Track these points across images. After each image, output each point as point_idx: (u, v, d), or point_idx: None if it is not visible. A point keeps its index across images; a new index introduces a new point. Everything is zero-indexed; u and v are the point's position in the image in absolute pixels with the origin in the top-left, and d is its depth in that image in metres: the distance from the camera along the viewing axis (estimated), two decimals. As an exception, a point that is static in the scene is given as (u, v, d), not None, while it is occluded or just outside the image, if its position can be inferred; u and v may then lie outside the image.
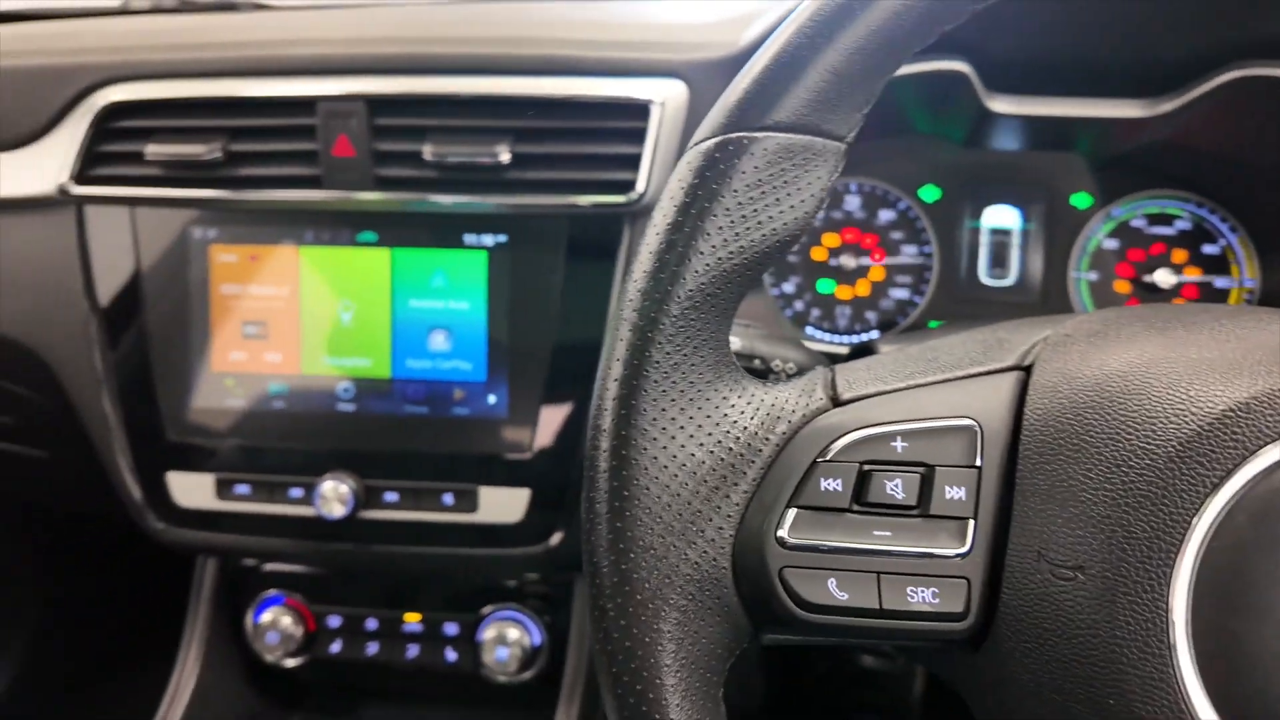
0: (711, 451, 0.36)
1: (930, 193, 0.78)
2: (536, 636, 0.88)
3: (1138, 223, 0.76)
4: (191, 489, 0.79)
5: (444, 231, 0.74)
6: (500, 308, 0.74)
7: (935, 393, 0.38)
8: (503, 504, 0.76)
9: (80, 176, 0.75)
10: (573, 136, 0.71)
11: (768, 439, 0.37)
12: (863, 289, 0.79)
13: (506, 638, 0.87)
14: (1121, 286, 0.77)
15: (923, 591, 0.35)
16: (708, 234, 0.35)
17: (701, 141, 0.37)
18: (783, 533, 0.36)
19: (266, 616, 0.90)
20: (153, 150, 0.73)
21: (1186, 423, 0.32)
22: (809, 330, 0.80)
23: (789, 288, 0.80)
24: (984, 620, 0.35)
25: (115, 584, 1.30)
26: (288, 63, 0.74)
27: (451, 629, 0.89)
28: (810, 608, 0.36)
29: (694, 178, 0.36)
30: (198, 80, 0.75)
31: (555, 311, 0.73)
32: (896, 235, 0.79)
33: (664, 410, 0.36)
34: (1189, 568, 0.31)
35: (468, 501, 0.76)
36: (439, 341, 0.75)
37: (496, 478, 0.75)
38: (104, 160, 0.75)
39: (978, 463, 0.36)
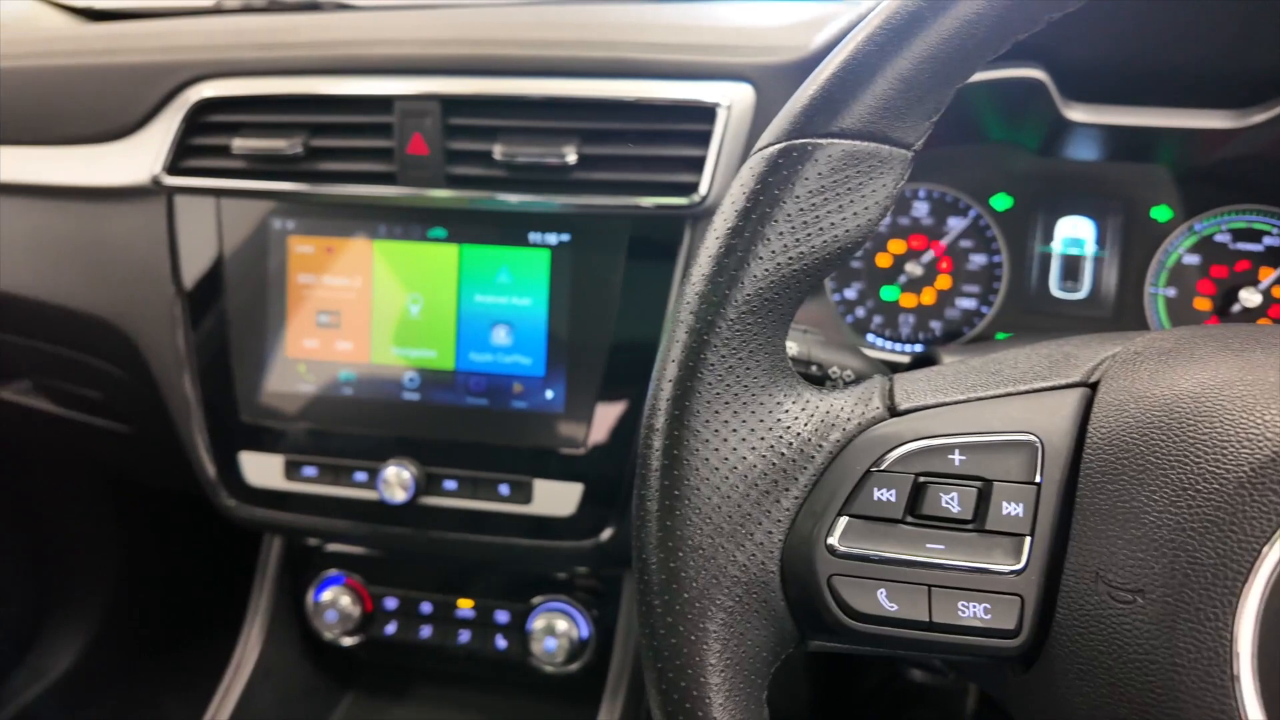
0: (764, 456, 0.36)
1: (1002, 201, 0.77)
2: (584, 629, 0.89)
3: (1222, 238, 0.73)
4: (262, 469, 0.82)
5: (510, 229, 0.75)
6: (561, 305, 0.75)
7: (996, 406, 0.37)
8: (556, 497, 0.77)
9: (172, 168, 0.79)
10: (639, 138, 0.72)
11: (821, 446, 0.37)
12: (928, 297, 0.78)
13: (555, 629, 0.88)
14: (1202, 304, 0.74)
15: (974, 606, 0.35)
16: (767, 239, 0.36)
17: (766, 147, 0.37)
18: (833, 540, 0.36)
19: (326, 595, 0.93)
20: (239, 144, 0.77)
21: (1260, 448, 0.31)
22: (870, 337, 0.79)
23: (851, 294, 0.79)
24: (1036, 639, 0.35)
25: (187, 559, 1.37)
26: (367, 62, 0.77)
27: (502, 617, 0.91)
28: (858, 617, 0.36)
29: (756, 183, 0.36)
30: (283, 78, 0.78)
31: (614, 310, 0.74)
32: (965, 244, 0.77)
33: (717, 413, 0.36)
34: (1257, 598, 0.30)
35: (522, 493, 0.77)
36: (501, 336, 0.76)
37: (551, 471, 0.77)
38: (194, 153, 0.79)
39: (1037, 479, 0.35)
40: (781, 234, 0.36)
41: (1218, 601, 0.30)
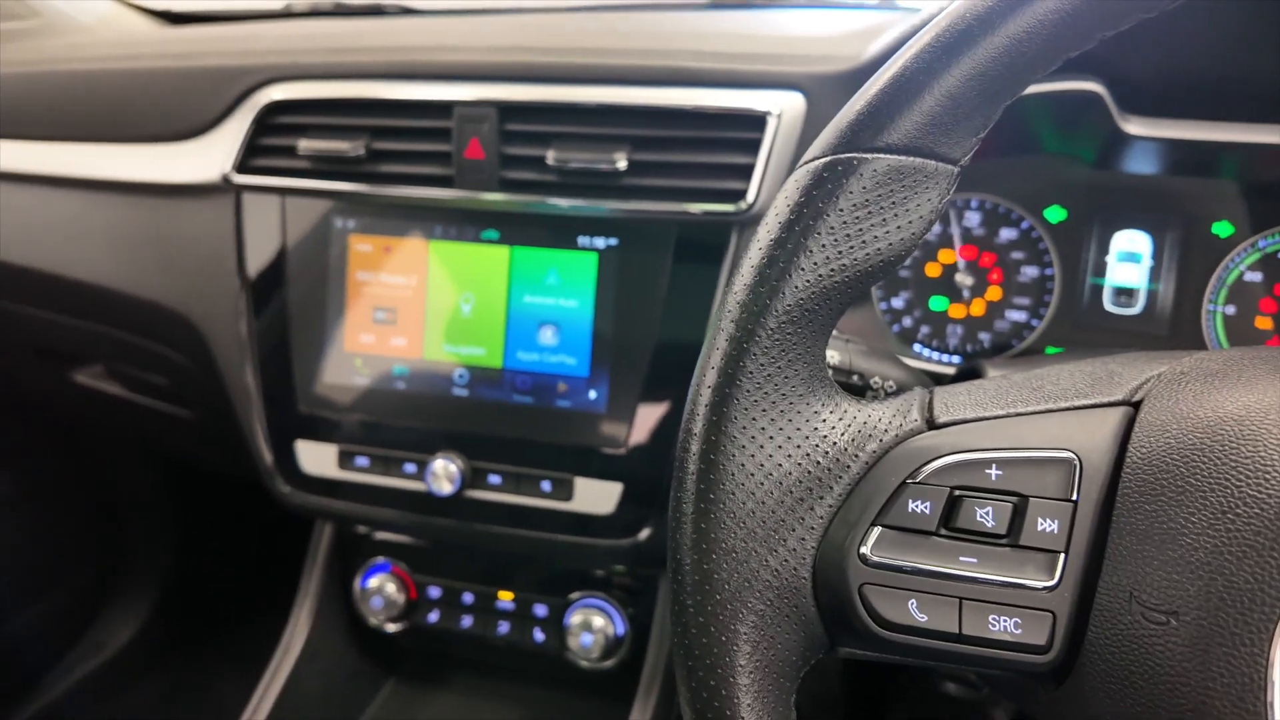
0: (799, 463, 0.37)
1: (1055, 213, 0.76)
2: (620, 626, 0.90)
3: (1287, 256, 0.71)
4: (317, 457, 0.85)
5: (560, 232, 0.77)
6: (606, 307, 0.76)
7: (1036, 422, 0.37)
8: (596, 496, 0.78)
9: (241, 166, 0.83)
10: (689, 145, 0.73)
11: (857, 456, 0.37)
12: (977, 309, 0.77)
13: (592, 624, 0.90)
14: (1263, 323, 0.72)
15: (1005, 621, 0.35)
16: (810, 251, 0.36)
17: (812, 160, 0.37)
18: (865, 550, 0.36)
19: (373, 582, 0.96)
20: (305, 145, 0.80)
21: None
22: (916, 347, 0.79)
23: (898, 303, 0.79)
24: (1068, 656, 0.35)
25: (240, 543, 1.42)
26: (428, 68, 0.79)
27: (541, 610, 0.93)
28: (889, 626, 0.36)
29: (801, 196, 0.37)
30: (347, 82, 0.81)
31: (658, 314, 0.75)
32: (1017, 255, 0.76)
33: (754, 420, 0.37)
34: None
35: (564, 490, 0.79)
36: (548, 336, 0.78)
37: (592, 470, 0.78)
38: (262, 152, 0.83)
39: (1074, 497, 0.35)
40: (824, 246, 0.36)
41: (1254, 627, 0.29)
